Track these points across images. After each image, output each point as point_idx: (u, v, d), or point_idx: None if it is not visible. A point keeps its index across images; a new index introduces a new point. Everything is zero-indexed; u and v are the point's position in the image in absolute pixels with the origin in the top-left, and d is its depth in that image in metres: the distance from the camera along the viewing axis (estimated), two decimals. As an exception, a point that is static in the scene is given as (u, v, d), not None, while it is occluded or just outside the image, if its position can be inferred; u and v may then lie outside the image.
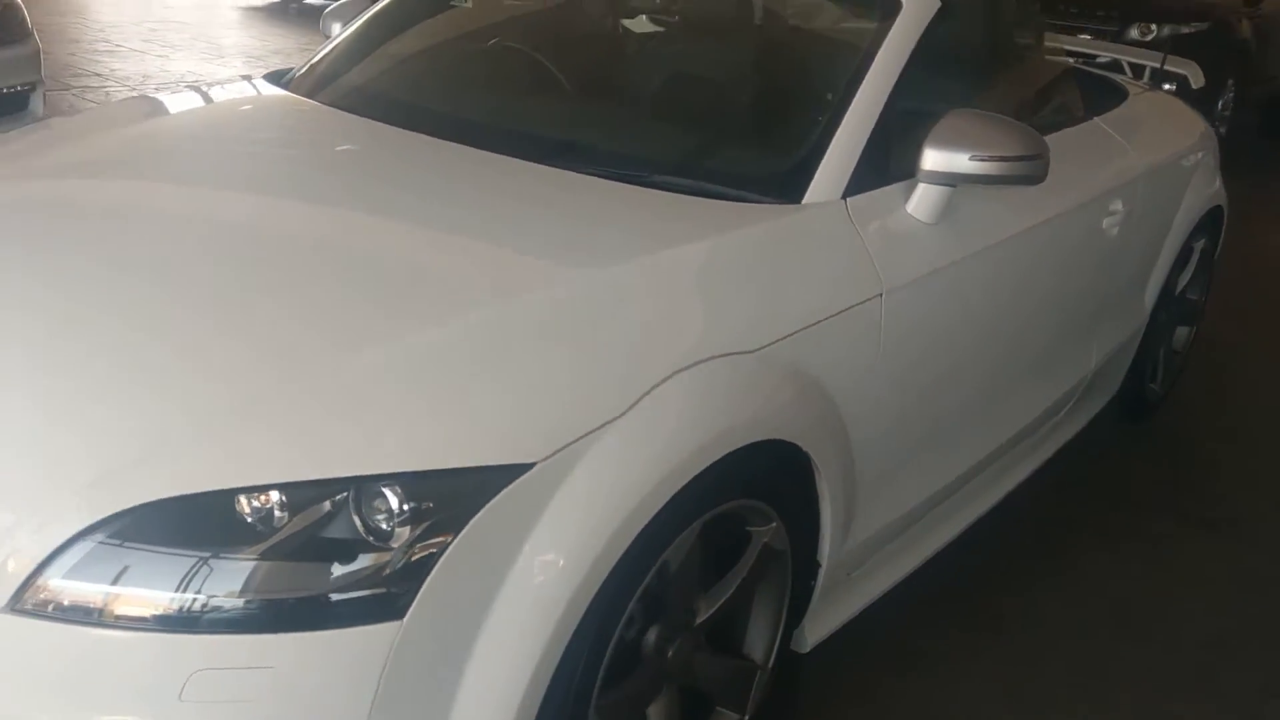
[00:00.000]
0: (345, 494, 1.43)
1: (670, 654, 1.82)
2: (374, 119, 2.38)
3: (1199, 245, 3.70)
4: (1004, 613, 2.68)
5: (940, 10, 2.43)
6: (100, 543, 1.37)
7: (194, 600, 1.37)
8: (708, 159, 2.29)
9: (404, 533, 1.43)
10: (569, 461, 1.52)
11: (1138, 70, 3.91)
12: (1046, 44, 3.48)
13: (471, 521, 1.44)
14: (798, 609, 2.13)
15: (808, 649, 2.19)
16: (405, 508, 1.43)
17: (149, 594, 1.37)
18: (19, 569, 1.37)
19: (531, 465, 1.49)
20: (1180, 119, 3.71)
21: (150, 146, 2.45)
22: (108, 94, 7.17)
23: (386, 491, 1.43)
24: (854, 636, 2.30)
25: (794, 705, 2.26)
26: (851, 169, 2.13)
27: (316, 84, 2.65)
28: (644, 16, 2.91)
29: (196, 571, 1.38)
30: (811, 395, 1.92)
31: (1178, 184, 3.38)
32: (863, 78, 2.24)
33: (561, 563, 1.50)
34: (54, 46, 8.37)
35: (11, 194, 2.16)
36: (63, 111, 6.20)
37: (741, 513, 1.87)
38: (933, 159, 2.11)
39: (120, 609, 1.37)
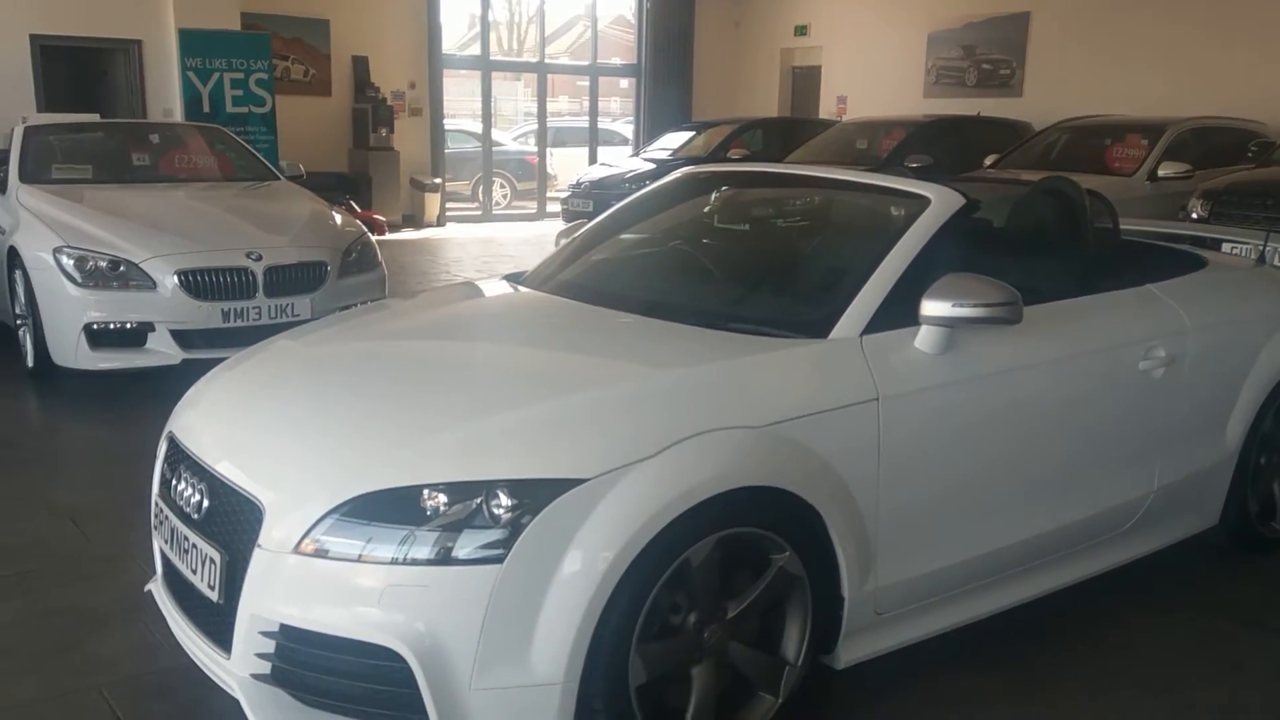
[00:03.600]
0: (482, 494, 2.45)
1: (705, 634, 2.67)
2: (562, 297, 3.56)
3: (1310, 399, 4.15)
4: (1034, 663, 3.32)
5: (965, 206, 3.31)
6: (339, 517, 2.46)
7: (388, 549, 2.42)
8: (767, 310, 3.28)
9: (507, 516, 2.42)
10: (613, 480, 2.47)
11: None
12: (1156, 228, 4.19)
13: (545, 509, 2.42)
14: (831, 632, 2.91)
15: (841, 667, 2.95)
16: (510, 501, 2.43)
17: (363, 544, 2.44)
18: (295, 531, 2.48)
19: (586, 480, 2.46)
20: (1268, 288, 4.26)
21: (420, 312, 3.88)
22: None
23: (500, 492, 2.44)
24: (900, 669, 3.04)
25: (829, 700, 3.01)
26: (870, 316, 3.02)
27: (536, 278, 3.87)
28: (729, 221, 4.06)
29: (389, 534, 2.43)
30: (813, 464, 2.76)
31: (1248, 340, 3.93)
32: (888, 252, 3.15)
33: (603, 544, 2.44)
34: (408, 277, 10.38)
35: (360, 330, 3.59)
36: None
37: (760, 541, 2.72)
38: (928, 307, 2.96)
39: (348, 551, 2.44)
